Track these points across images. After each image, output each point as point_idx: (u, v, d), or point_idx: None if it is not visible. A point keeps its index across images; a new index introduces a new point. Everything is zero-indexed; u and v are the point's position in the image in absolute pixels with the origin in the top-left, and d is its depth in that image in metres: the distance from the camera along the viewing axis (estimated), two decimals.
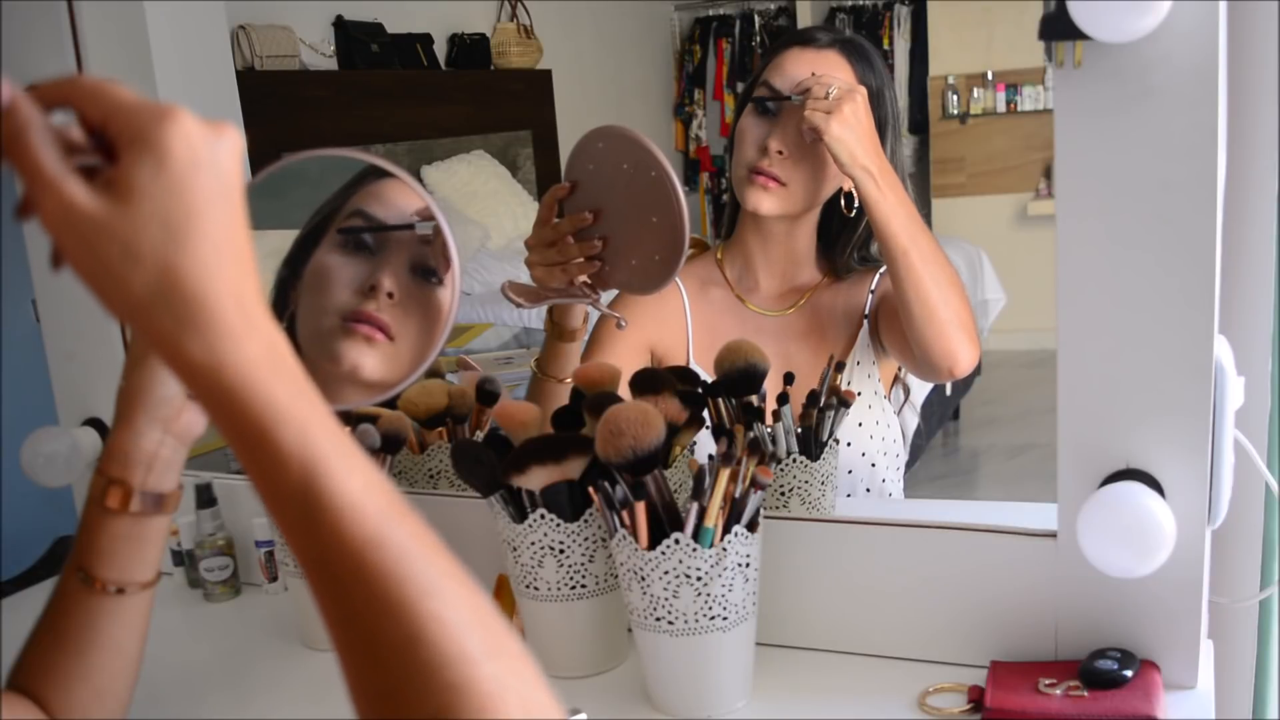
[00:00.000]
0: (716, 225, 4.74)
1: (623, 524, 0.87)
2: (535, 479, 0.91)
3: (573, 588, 0.95)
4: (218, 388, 0.46)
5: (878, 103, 1.13)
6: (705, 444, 1.04)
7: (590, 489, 0.89)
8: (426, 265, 0.92)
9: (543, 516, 0.93)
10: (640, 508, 0.85)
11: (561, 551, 0.94)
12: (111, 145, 0.45)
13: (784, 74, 1.15)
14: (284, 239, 0.94)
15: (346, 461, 0.47)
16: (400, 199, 0.93)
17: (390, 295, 0.91)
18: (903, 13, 4.82)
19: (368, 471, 0.47)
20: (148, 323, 0.45)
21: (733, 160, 1.20)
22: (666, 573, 0.85)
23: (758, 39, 5.19)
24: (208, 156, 0.45)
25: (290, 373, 0.47)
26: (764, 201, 1.15)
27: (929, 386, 1.28)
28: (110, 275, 0.45)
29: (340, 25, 3.50)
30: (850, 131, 1.05)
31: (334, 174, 0.95)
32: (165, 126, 0.44)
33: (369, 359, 0.91)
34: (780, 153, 1.14)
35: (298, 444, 0.46)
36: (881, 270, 1.20)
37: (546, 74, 4.26)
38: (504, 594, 1.05)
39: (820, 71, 1.13)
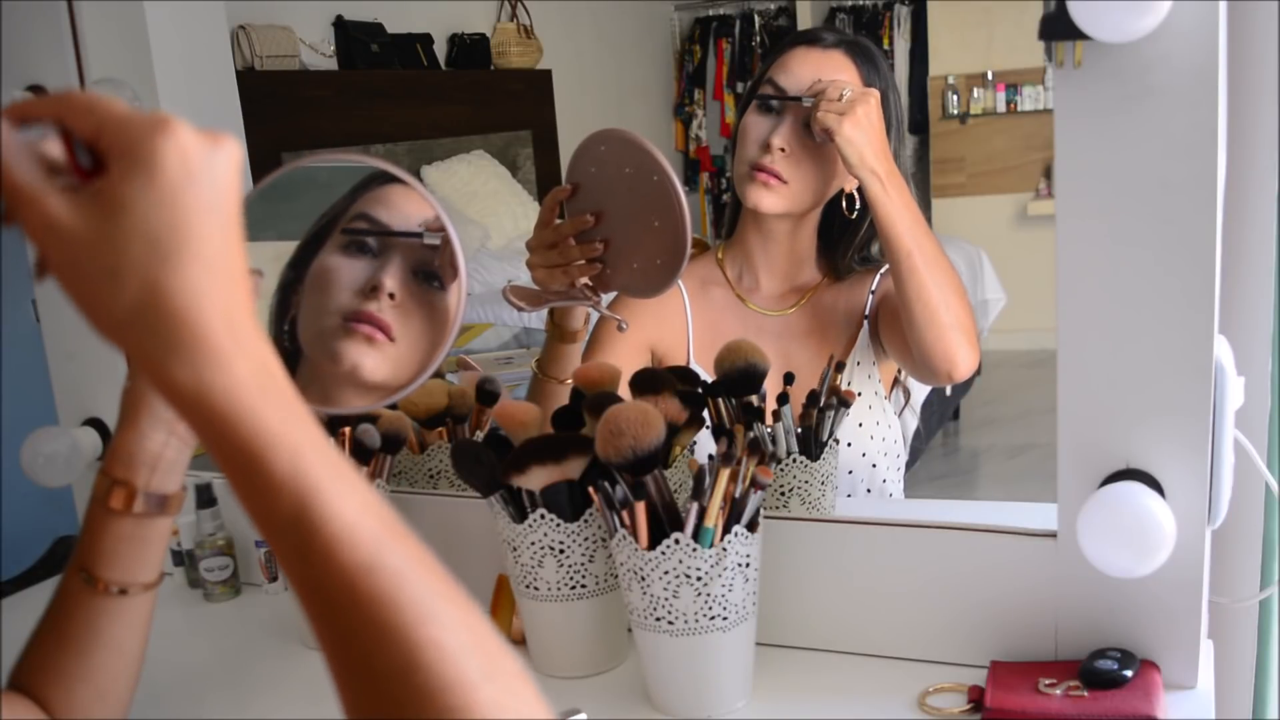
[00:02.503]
0: (717, 225, 4.74)
1: (623, 524, 0.87)
2: (535, 479, 0.91)
3: (573, 588, 0.95)
4: (205, 412, 0.44)
5: (882, 104, 1.13)
6: (705, 444, 1.04)
7: (590, 489, 0.89)
8: (429, 269, 0.92)
9: (543, 516, 0.93)
10: (640, 508, 0.85)
11: (561, 551, 0.94)
12: (102, 159, 0.44)
13: (789, 73, 1.15)
14: (292, 245, 0.94)
15: (340, 485, 0.45)
16: (404, 203, 0.93)
17: (392, 296, 0.91)
18: (903, 13, 4.82)
19: (363, 493, 0.46)
20: (131, 343, 0.44)
21: (734, 158, 1.20)
22: (666, 573, 0.85)
23: (758, 39, 5.19)
24: (203, 169, 0.44)
25: (282, 395, 0.46)
26: (765, 199, 1.15)
27: (929, 386, 1.28)
28: (93, 292, 0.43)
29: (340, 25, 3.50)
30: (862, 133, 1.06)
31: (345, 178, 0.95)
32: (157, 139, 0.43)
33: (369, 359, 0.91)
34: (782, 150, 1.14)
35: (289, 469, 0.45)
36: (882, 271, 1.20)
37: (546, 74, 4.26)
38: (504, 594, 1.05)
39: (825, 71, 1.14)
